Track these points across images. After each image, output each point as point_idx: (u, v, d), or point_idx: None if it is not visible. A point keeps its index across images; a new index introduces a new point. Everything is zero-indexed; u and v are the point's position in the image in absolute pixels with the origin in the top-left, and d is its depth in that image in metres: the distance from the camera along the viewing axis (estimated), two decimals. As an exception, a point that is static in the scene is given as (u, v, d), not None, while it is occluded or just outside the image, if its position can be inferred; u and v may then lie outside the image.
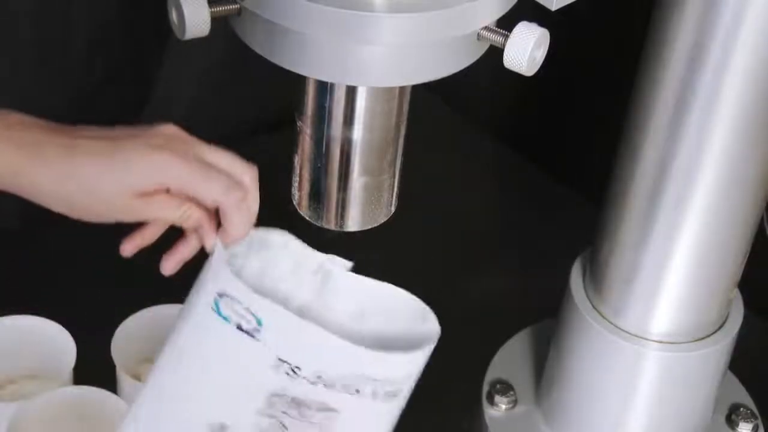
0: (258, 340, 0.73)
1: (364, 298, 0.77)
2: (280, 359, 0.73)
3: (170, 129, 0.75)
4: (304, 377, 0.73)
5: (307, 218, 0.78)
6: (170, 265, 0.80)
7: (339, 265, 0.76)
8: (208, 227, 0.76)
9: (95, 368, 0.93)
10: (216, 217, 0.76)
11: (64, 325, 0.96)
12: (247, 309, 0.73)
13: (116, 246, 1.14)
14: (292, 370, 0.73)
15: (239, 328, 0.73)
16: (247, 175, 0.75)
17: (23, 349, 0.97)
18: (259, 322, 0.73)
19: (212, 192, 0.74)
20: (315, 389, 0.73)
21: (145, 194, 0.74)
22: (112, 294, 1.05)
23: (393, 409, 0.76)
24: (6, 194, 0.77)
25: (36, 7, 1.07)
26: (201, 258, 0.96)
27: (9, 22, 1.06)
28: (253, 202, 0.75)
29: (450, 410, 1.05)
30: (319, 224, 0.78)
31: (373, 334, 0.76)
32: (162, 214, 0.76)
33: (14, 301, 0.99)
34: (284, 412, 0.75)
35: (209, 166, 0.74)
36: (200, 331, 0.75)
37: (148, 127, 0.75)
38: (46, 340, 0.96)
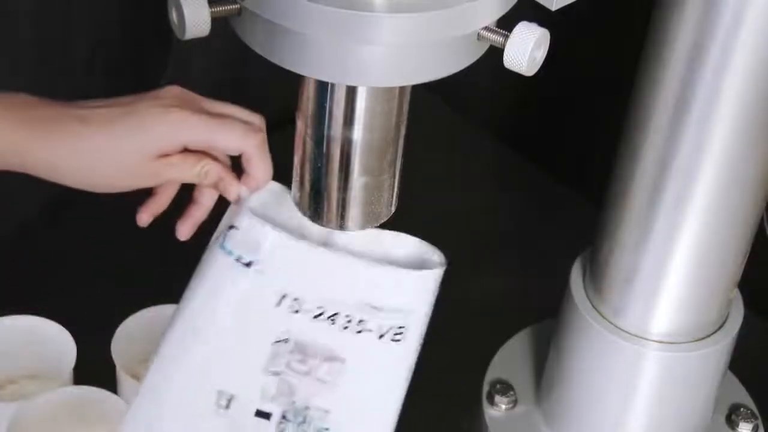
0: (260, 272, 0.73)
1: (377, 248, 0.78)
2: (282, 293, 0.73)
3: (175, 89, 0.77)
4: (307, 310, 0.73)
5: (308, 218, 0.78)
6: (186, 229, 0.82)
7: None
8: (229, 178, 0.77)
9: (95, 368, 0.93)
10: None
11: (64, 325, 0.96)
12: (250, 239, 0.74)
13: (116, 246, 1.14)
14: (295, 301, 0.73)
15: (240, 260, 0.74)
16: (257, 118, 0.77)
17: (23, 349, 0.97)
18: (261, 253, 0.74)
19: (232, 140, 0.75)
20: (318, 327, 0.73)
21: (163, 155, 0.75)
22: (112, 294, 1.05)
23: (402, 360, 0.75)
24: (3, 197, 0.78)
25: (36, 8, 1.07)
26: (199, 257, 0.96)
27: (9, 22, 1.06)
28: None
29: (450, 410, 1.05)
30: (319, 224, 0.78)
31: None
32: (182, 173, 0.77)
33: (14, 301, 0.99)
34: (289, 367, 0.75)
35: (222, 117, 0.75)
36: (208, 275, 0.77)
37: (153, 91, 0.76)
38: (46, 340, 0.96)
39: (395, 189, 0.78)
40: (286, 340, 0.74)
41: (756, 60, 0.78)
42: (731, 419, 1.02)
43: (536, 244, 1.23)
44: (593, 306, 0.93)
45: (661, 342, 0.91)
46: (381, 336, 0.73)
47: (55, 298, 1.05)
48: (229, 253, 0.75)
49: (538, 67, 0.68)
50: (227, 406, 0.78)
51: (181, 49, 1.17)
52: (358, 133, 0.74)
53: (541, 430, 1.00)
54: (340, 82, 0.71)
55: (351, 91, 0.72)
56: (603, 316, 0.92)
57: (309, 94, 0.74)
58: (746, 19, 0.77)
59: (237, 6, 0.68)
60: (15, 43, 1.07)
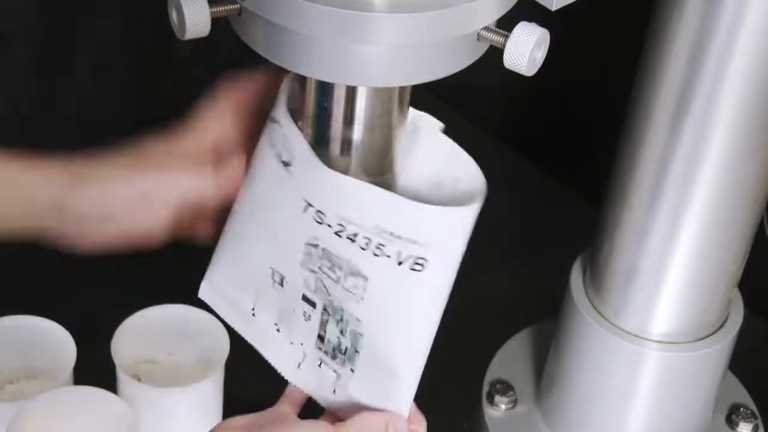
0: (292, 175, 0.74)
1: (441, 166, 0.78)
2: (307, 201, 0.74)
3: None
4: (328, 225, 0.73)
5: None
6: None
7: (428, 123, 0.78)
8: None
9: (95, 368, 0.93)
10: None
11: (64, 325, 0.96)
12: (286, 139, 0.75)
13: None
14: (318, 213, 0.74)
15: (279, 157, 0.75)
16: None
17: (23, 349, 0.97)
18: (293, 156, 0.74)
19: None
20: (340, 242, 0.73)
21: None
22: (112, 294, 1.05)
23: (425, 290, 0.75)
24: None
25: (37, 9, 1.07)
26: (201, 258, 0.96)
27: (8, 23, 1.06)
28: None
29: (450, 410, 1.05)
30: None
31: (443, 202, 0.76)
32: None
33: (14, 301, 0.99)
34: (321, 270, 0.76)
35: None
36: (257, 161, 0.78)
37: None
38: (46, 340, 0.96)
39: (395, 189, 0.78)
40: (316, 246, 0.75)
41: (756, 60, 0.78)
42: (731, 419, 1.02)
43: (536, 244, 1.23)
44: (593, 306, 0.93)
45: (661, 342, 0.91)
46: (400, 263, 0.73)
47: (55, 298, 1.05)
48: (273, 146, 0.76)
49: (538, 67, 0.68)
50: (281, 284, 0.80)
51: (181, 49, 1.18)
52: (358, 133, 0.74)
53: (540, 430, 1.00)
54: (340, 82, 0.71)
55: (351, 91, 0.72)
56: (603, 316, 0.92)
57: (309, 94, 0.74)
58: (746, 19, 0.77)
59: (237, 6, 0.68)
60: (15, 45, 1.07)
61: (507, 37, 0.67)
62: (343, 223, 0.73)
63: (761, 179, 0.85)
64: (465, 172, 0.78)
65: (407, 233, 0.72)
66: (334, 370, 0.80)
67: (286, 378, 0.82)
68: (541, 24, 0.67)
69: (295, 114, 0.75)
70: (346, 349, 0.78)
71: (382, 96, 0.73)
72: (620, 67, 0.90)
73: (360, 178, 0.75)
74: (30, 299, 1.00)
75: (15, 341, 0.97)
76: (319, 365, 0.80)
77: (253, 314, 0.83)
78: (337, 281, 0.76)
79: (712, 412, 0.98)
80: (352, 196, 0.72)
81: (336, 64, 0.67)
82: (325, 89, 0.73)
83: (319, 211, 0.74)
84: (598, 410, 0.95)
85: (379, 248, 0.73)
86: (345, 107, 0.73)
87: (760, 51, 0.78)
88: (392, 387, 0.78)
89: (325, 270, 0.76)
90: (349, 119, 0.73)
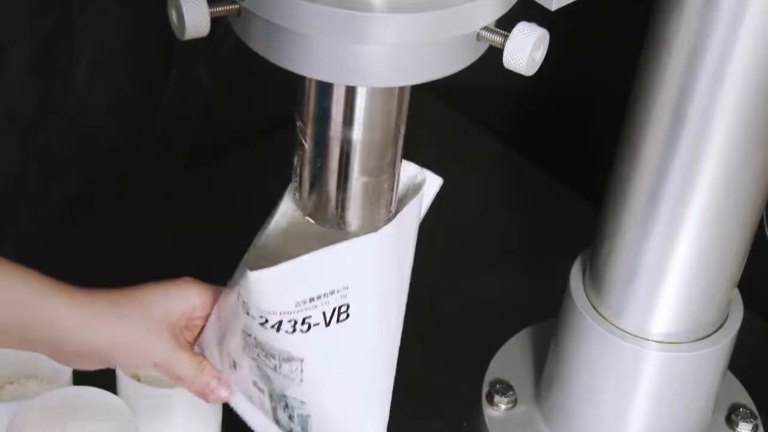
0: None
1: None
2: (239, 289, 0.74)
3: None
4: (252, 317, 0.73)
5: (307, 218, 0.78)
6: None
7: None
8: None
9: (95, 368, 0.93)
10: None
11: (64, 325, 0.96)
12: None
13: (115, 247, 1.15)
14: (245, 305, 0.74)
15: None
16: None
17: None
18: None
19: None
20: (267, 333, 0.73)
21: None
22: (112, 294, 1.05)
23: (359, 335, 0.74)
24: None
25: (37, 11, 1.07)
26: (201, 259, 0.96)
27: (8, 24, 1.06)
28: None
29: (450, 410, 1.05)
30: (319, 224, 0.78)
31: None
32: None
33: (14, 301, 0.98)
34: (259, 357, 0.76)
35: None
36: None
37: None
38: (46, 340, 0.96)
39: (395, 189, 0.78)
40: (249, 335, 0.75)
41: (755, 61, 0.78)
42: (731, 419, 1.02)
43: (536, 244, 1.23)
44: (593, 306, 0.93)
45: (661, 342, 0.91)
46: (328, 324, 0.72)
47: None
48: None
49: (538, 67, 0.68)
50: (234, 367, 0.80)
51: (182, 50, 1.18)
52: (358, 133, 0.74)
53: (540, 430, 1.00)
54: (340, 82, 0.71)
55: (351, 91, 0.72)
56: (603, 317, 0.92)
57: (309, 94, 0.74)
58: (745, 19, 0.77)
59: (237, 6, 0.68)
60: (15, 46, 1.07)
61: (507, 37, 0.67)
62: (264, 315, 0.73)
63: (761, 179, 0.85)
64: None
65: (325, 288, 0.71)
66: None
67: None
68: (541, 24, 0.67)
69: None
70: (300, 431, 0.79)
71: (382, 96, 0.73)
72: (620, 67, 0.90)
73: (360, 178, 0.75)
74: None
75: (15, 341, 0.97)
76: None
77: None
78: (274, 369, 0.76)
79: (711, 412, 0.98)
80: (268, 287, 0.71)
81: (336, 64, 0.67)
82: (324, 89, 0.73)
83: (245, 302, 0.73)
84: (597, 410, 0.95)
85: (305, 323, 0.72)
86: (344, 107, 0.72)
87: (759, 51, 0.78)
88: None
89: (262, 358, 0.76)
90: (348, 119, 0.73)
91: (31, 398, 0.90)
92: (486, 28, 0.68)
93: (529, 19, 0.67)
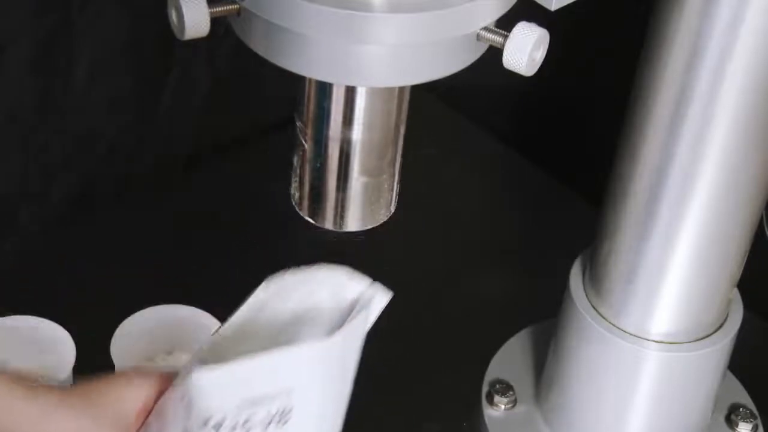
0: None
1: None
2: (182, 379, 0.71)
3: None
4: (194, 418, 0.69)
5: (307, 218, 0.78)
6: None
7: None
8: None
9: (95, 368, 0.93)
10: None
11: (64, 325, 0.96)
12: None
13: (115, 247, 1.15)
14: (185, 409, 0.70)
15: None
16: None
17: (23, 349, 0.97)
18: None
19: None
20: None
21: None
22: (112, 294, 1.05)
23: None
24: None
25: (37, 11, 1.07)
26: (201, 259, 0.97)
27: (8, 25, 1.06)
28: None
29: (450, 410, 1.05)
30: (318, 224, 0.78)
31: None
32: None
33: (14, 301, 0.99)
34: None
35: None
36: None
37: None
38: (46, 340, 0.96)
39: (395, 189, 0.78)
40: None
41: (755, 60, 0.78)
42: (731, 419, 1.02)
43: (536, 244, 1.23)
44: (593, 306, 0.93)
45: (660, 342, 0.91)
46: (267, 427, 0.69)
47: (55, 298, 1.05)
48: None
49: (538, 67, 0.68)
50: None
51: (182, 50, 1.18)
52: (357, 133, 0.74)
53: (540, 430, 1.00)
54: (340, 82, 0.71)
55: (351, 91, 0.72)
56: (603, 316, 0.92)
57: (309, 94, 0.74)
58: (745, 19, 0.77)
59: (236, 6, 0.68)
60: (15, 46, 1.07)
61: (506, 37, 0.67)
62: (206, 415, 0.69)
63: (761, 179, 0.85)
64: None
65: (267, 391, 0.68)
66: None
67: None
68: (541, 24, 0.67)
69: None
70: None
71: (382, 96, 0.73)
72: (620, 67, 0.90)
73: (360, 178, 0.75)
74: (30, 299, 1.00)
75: (15, 341, 0.97)
76: None
77: None
78: None
79: (711, 412, 0.98)
80: (211, 387, 0.68)
81: (336, 64, 0.67)
82: (324, 89, 0.73)
83: (189, 401, 0.69)
84: (597, 410, 0.95)
85: (245, 425, 0.69)
86: (344, 107, 0.73)
87: (759, 51, 0.78)
88: None
89: None
90: (348, 119, 0.73)
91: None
92: (486, 28, 0.68)
93: (529, 19, 0.67)
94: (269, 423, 0.70)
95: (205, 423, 0.69)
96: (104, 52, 1.14)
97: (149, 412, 0.75)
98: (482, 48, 0.70)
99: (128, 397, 0.75)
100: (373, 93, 0.72)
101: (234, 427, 0.69)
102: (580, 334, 0.93)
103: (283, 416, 0.70)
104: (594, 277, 0.93)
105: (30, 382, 0.74)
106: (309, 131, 0.75)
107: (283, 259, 0.74)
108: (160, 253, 1.11)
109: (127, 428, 0.75)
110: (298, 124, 0.75)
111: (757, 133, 0.82)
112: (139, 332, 0.96)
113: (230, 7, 0.68)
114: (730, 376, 1.03)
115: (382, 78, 0.69)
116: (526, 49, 0.67)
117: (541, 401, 1.01)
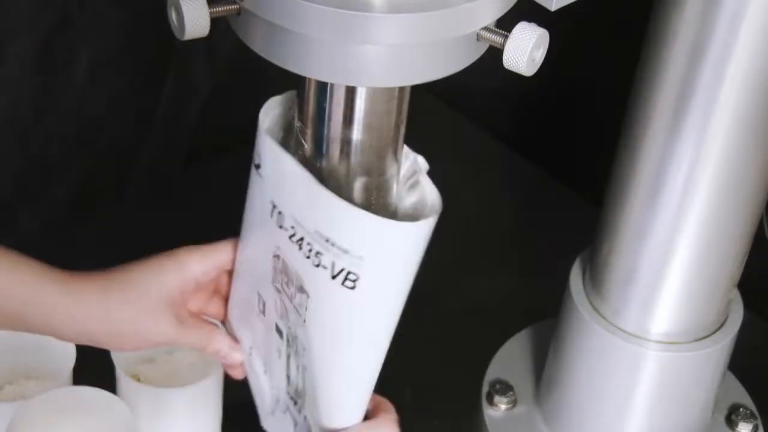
0: (262, 177, 0.75)
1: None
2: (272, 203, 0.74)
3: None
4: (285, 228, 0.73)
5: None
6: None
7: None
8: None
9: (95, 368, 0.93)
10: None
11: (64, 325, 0.96)
12: (258, 142, 0.76)
13: (115, 248, 1.14)
14: (279, 215, 0.73)
15: (254, 162, 0.76)
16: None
17: (23, 349, 0.97)
18: (263, 157, 0.75)
19: None
20: (292, 247, 0.73)
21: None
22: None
23: (358, 311, 0.73)
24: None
25: (37, 12, 1.07)
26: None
27: (8, 26, 1.06)
28: None
29: (450, 410, 1.05)
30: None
31: None
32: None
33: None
34: (282, 287, 0.76)
35: None
36: (247, 210, 0.79)
37: None
38: (46, 340, 0.96)
39: (395, 189, 0.78)
40: (278, 256, 0.75)
41: (755, 60, 0.78)
42: (731, 419, 1.02)
43: (536, 244, 1.23)
44: (593, 306, 0.93)
45: (660, 342, 0.91)
46: (334, 276, 0.71)
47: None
48: (254, 155, 0.77)
49: (538, 67, 0.68)
50: (264, 312, 0.80)
51: (182, 50, 1.18)
52: (357, 134, 0.74)
53: (540, 430, 1.00)
54: (340, 82, 0.71)
55: (351, 92, 0.72)
56: (603, 316, 0.92)
57: (309, 94, 0.74)
58: (746, 18, 0.77)
59: (236, 6, 0.68)
60: (15, 48, 1.08)
61: (506, 37, 0.67)
62: (295, 225, 0.72)
63: (761, 179, 0.85)
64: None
65: (341, 241, 0.70)
66: (294, 419, 0.81)
67: (261, 424, 0.84)
68: (541, 24, 0.67)
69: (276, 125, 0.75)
70: (301, 389, 0.79)
71: (381, 96, 0.73)
72: (620, 67, 0.90)
73: (360, 178, 0.75)
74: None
75: (15, 341, 0.97)
76: (284, 412, 0.82)
77: (250, 354, 0.84)
78: (290, 299, 0.75)
79: (711, 412, 0.98)
80: (303, 195, 0.71)
81: (336, 64, 0.67)
82: (324, 89, 0.73)
83: (280, 213, 0.73)
84: (597, 410, 0.95)
85: (317, 257, 0.71)
86: (344, 107, 0.72)
87: (759, 51, 0.78)
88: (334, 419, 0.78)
89: (284, 286, 0.75)
90: (348, 119, 0.73)
91: (30, 398, 0.90)
92: (486, 28, 0.68)
93: (529, 19, 0.67)
94: (335, 275, 0.71)
95: (292, 236, 0.72)
96: (104, 51, 1.14)
97: (211, 284, 0.81)
98: (482, 48, 0.70)
99: (169, 277, 0.80)
100: (373, 93, 0.72)
101: (309, 251, 0.72)
102: (580, 334, 0.93)
103: (347, 279, 0.71)
104: (594, 277, 0.93)
105: (67, 276, 0.79)
106: (309, 131, 0.75)
107: (283, 259, 0.74)
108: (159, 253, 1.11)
109: (173, 308, 0.79)
110: (298, 124, 0.75)
111: (756, 133, 0.82)
112: (139, 332, 0.96)
113: (230, 7, 0.68)
114: (730, 376, 1.03)
115: (382, 78, 0.69)
116: (526, 49, 0.67)
117: (541, 401, 1.01)
